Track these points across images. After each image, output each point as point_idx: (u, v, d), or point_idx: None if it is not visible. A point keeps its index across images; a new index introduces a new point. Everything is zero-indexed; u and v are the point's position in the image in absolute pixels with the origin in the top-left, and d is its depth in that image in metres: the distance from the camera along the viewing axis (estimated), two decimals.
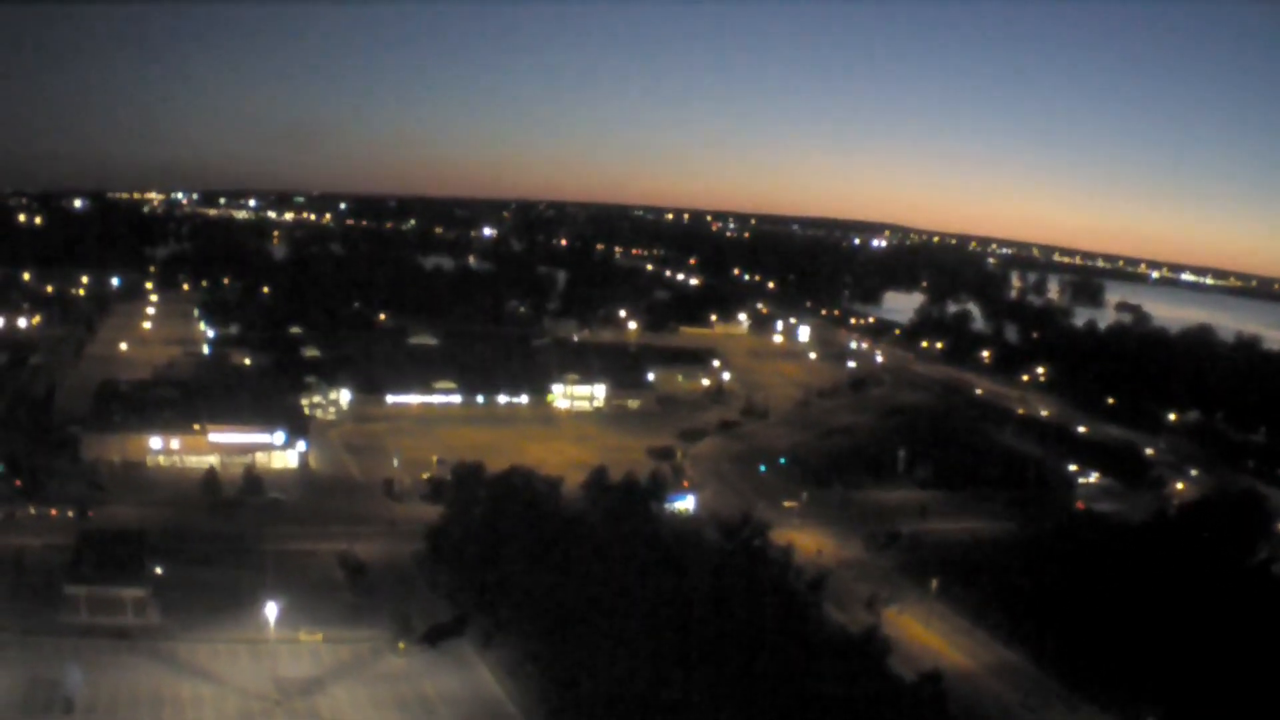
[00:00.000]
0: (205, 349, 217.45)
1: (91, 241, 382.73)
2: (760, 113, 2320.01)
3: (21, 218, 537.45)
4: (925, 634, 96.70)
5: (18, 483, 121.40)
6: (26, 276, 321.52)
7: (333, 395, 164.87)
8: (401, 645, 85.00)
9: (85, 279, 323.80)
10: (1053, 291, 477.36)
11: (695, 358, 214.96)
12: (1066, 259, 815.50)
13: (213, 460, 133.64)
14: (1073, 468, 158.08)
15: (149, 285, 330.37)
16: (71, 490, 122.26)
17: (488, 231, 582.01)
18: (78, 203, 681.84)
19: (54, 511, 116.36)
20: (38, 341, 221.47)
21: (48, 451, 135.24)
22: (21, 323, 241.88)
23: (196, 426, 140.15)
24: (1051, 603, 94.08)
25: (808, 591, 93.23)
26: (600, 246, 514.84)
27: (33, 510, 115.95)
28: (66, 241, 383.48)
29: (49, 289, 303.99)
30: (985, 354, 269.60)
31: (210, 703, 76.19)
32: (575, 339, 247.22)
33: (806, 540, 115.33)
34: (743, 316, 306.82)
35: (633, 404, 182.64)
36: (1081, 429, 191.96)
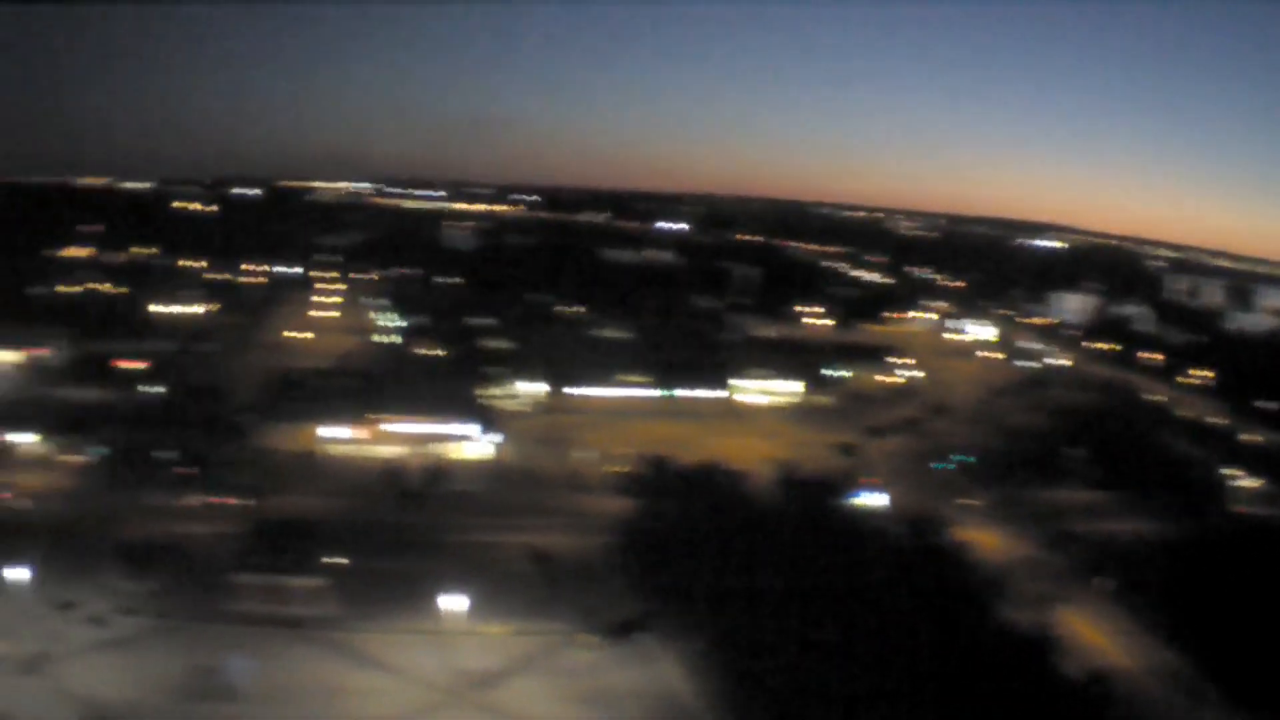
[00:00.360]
0: (386, 339, 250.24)
1: (269, 230, 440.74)
2: (931, 113, 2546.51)
3: (196, 205, 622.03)
4: (1092, 633, 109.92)
5: (190, 471, 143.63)
6: (203, 264, 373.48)
7: (521, 387, 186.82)
8: (586, 639, 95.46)
9: (262, 267, 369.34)
10: (1210, 294, 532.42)
11: (878, 354, 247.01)
12: (1223, 262, 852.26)
13: (398, 451, 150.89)
14: (1233, 471, 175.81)
15: (332, 274, 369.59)
16: (245, 479, 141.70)
17: (670, 225, 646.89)
18: (253, 191, 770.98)
19: (227, 500, 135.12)
20: (212, 330, 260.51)
21: (222, 440, 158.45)
22: (197, 310, 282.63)
23: (376, 416, 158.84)
24: (1213, 606, 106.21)
25: (985, 588, 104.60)
26: (784, 242, 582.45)
27: (205, 499, 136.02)
28: (242, 229, 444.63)
29: (224, 277, 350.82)
30: (1150, 356, 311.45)
31: (386, 693, 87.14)
32: (760, 334, 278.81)
33: (982, 537, 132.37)
34: (923, 314, 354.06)
35: (818, 399, 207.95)
36: (1243, 434, 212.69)
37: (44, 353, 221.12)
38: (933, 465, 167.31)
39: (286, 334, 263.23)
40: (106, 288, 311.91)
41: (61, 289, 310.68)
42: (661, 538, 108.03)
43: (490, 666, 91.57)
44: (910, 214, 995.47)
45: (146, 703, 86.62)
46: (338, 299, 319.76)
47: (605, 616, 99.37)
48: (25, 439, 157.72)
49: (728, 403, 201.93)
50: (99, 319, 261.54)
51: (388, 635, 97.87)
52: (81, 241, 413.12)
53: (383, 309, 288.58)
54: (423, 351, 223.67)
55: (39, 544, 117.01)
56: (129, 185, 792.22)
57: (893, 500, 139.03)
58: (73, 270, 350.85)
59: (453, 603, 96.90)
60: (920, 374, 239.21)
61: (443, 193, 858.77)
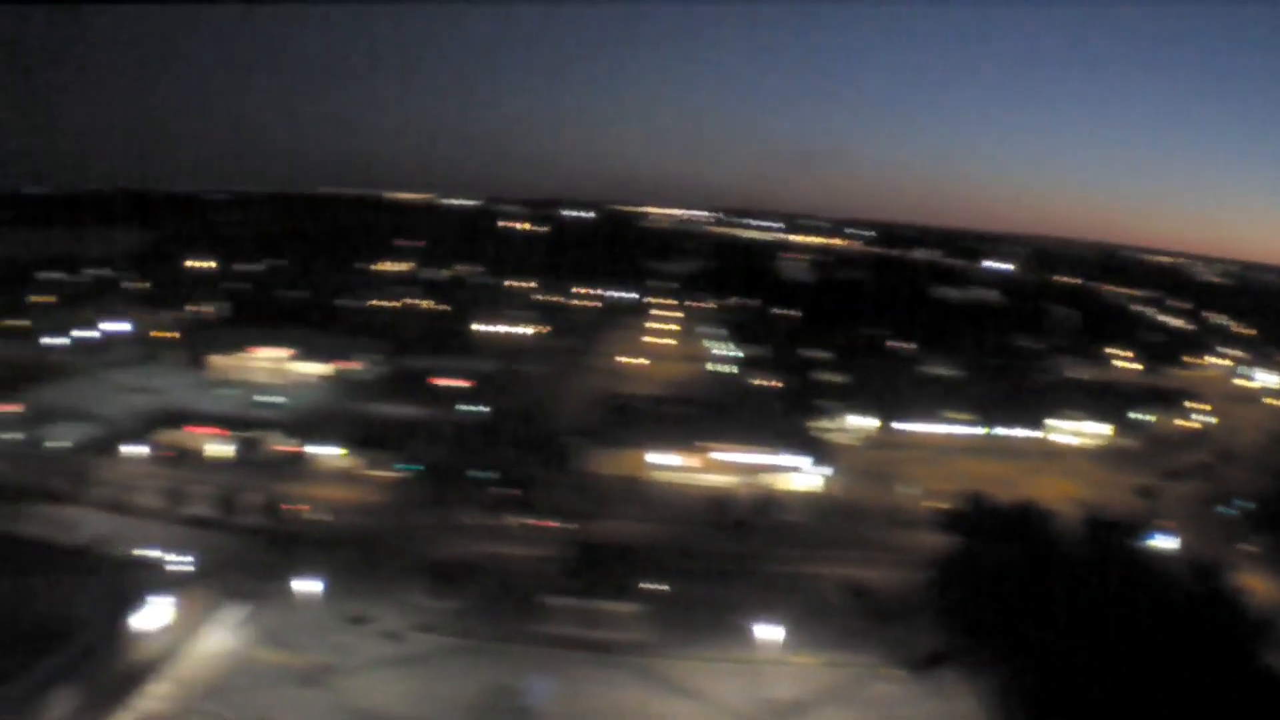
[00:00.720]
0: (721, 368, 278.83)
1: (600, 253, 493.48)
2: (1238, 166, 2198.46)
3: (525, 225, 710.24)
4: None
5: (509, 491, 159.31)
6: (531, 285, 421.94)
7: (848, 420, 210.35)
8: (891, 672, 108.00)
9: (595, 290, 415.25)
10: None
11: (1177, 398, 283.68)
12: None
13: (725, 480, 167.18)
14: None
15: (671, 301, 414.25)
16: (566, 501, 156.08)
17: (997, 264, 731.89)
18: (586, 213, 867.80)
19: (546, 522, 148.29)
20: (540, 351, 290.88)
21: (544, 461, 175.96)
22: (524, 331, 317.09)
23: (706, 444, 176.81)
24: None
25: (1261, 634, 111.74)
26: (1099, 285, 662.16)
27: (521, 520, 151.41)
28: (574, 252, 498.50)
29: (555, 299, 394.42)
30: None
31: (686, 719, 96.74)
32: (1074, 375, 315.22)
33: (1259, 584, 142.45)
34: (1217, 359, 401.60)
35: (1123, 442, 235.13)
36: None
37: (355, 366, 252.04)
38: (1218, 510, 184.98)
39: (618, 359, 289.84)
40: (426, 304, 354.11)
41: (377, 303, 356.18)
42: (970, 573, 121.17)
43: (796, 697, 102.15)
44: (1208, 260, 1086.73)
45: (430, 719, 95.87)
46: (673, 326, 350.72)
47: (912, 650, 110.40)
48: (331, 452, 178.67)
49: (1042, 442, 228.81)
50: (417, 334, 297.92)
51: (697, 662, 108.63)
52: (401, 256, 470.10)
53: (718, 338, 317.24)
54: (757, 382, 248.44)
55: (337, 558, 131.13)
56: (453, 202, 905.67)
57: (1182, 543, 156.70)
58: (390, 285, 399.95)
59: (766, 632, 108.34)
60: (1213, 419, 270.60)
61: (779, 224, 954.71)
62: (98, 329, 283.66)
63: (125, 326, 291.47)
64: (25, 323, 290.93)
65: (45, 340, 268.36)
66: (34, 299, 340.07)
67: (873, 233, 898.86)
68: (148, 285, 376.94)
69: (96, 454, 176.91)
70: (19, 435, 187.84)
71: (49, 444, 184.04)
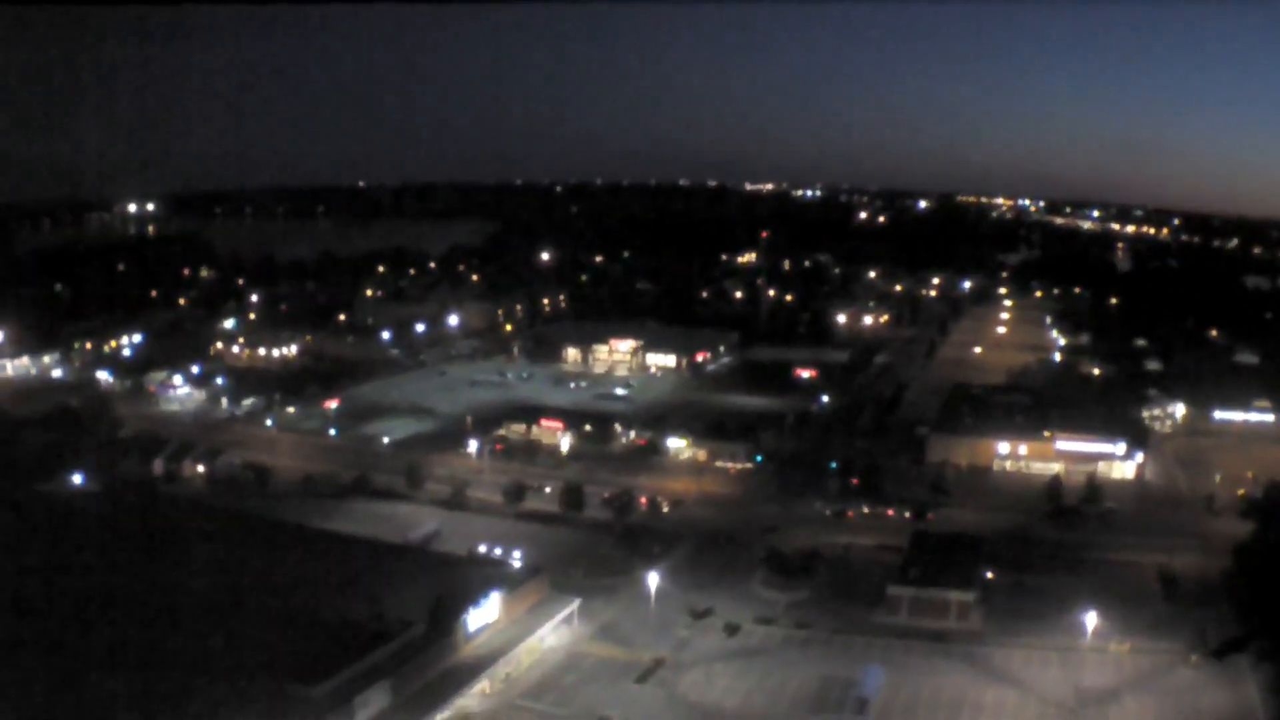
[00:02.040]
0: (1054, 355, 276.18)
1: (939, 243, 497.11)
2: None
3: (863, 215, 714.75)
4: None
5: (854, 481, 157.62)
6: (873, 274, 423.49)
7: (1168, 409, 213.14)
8: (1194, 659, 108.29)
9: (935, 280, 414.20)
10: None
11: None
12: None
13: (1056, 468, 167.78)
14: None
15: (1001, 290, 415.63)
16: (912, 491, 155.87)
17: None
18: (922, 203, 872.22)
19: (890, 511, 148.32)
20: (886, 340, 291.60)
21: (890, 451, 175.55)
22: (868, 320, 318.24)
23: (1045, 434, 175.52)
24: None
25: None
26: None
27: (867, 509, 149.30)
28: (912, 241, 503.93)
29: (896, 288, 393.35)
30: None
31: (1009, 709, 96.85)
32: None
33: None
34: None
35: None
36: None
37: (704, 357, 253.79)
38: None
39: (961, 347, 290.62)
40: (774, 294, 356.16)
41: (729, 294, 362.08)
42: (1271, 562, 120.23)
43: (1108, 683, 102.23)
44: None
45: (762, 712, 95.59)
46: (1010, 314, 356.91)
47: (1213, 638, 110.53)
48: (678, 444, 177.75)
49: None
50: (766, 325, 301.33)
51: (1020, 650, 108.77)
52: (751, 246, 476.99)
53: (1051, 327, 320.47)
54: (1086, 370, 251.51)
55: (681, 550, 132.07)
56: (801, 192, 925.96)
57: None
58: (740, 275, 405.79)
59: (1084, 619, 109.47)
60: None
61: (1102, 213, 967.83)
62: (436, 323, 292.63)
63: (465, 320, 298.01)
64: (361, 318, 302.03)
65: (382, 334, 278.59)
66: (369, 293, 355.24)
67: (1184, 221, 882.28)
68: (489, 278, 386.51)
69: (430, 449, 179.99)
70: (348, 430, 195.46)
71: (383, 439, 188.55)
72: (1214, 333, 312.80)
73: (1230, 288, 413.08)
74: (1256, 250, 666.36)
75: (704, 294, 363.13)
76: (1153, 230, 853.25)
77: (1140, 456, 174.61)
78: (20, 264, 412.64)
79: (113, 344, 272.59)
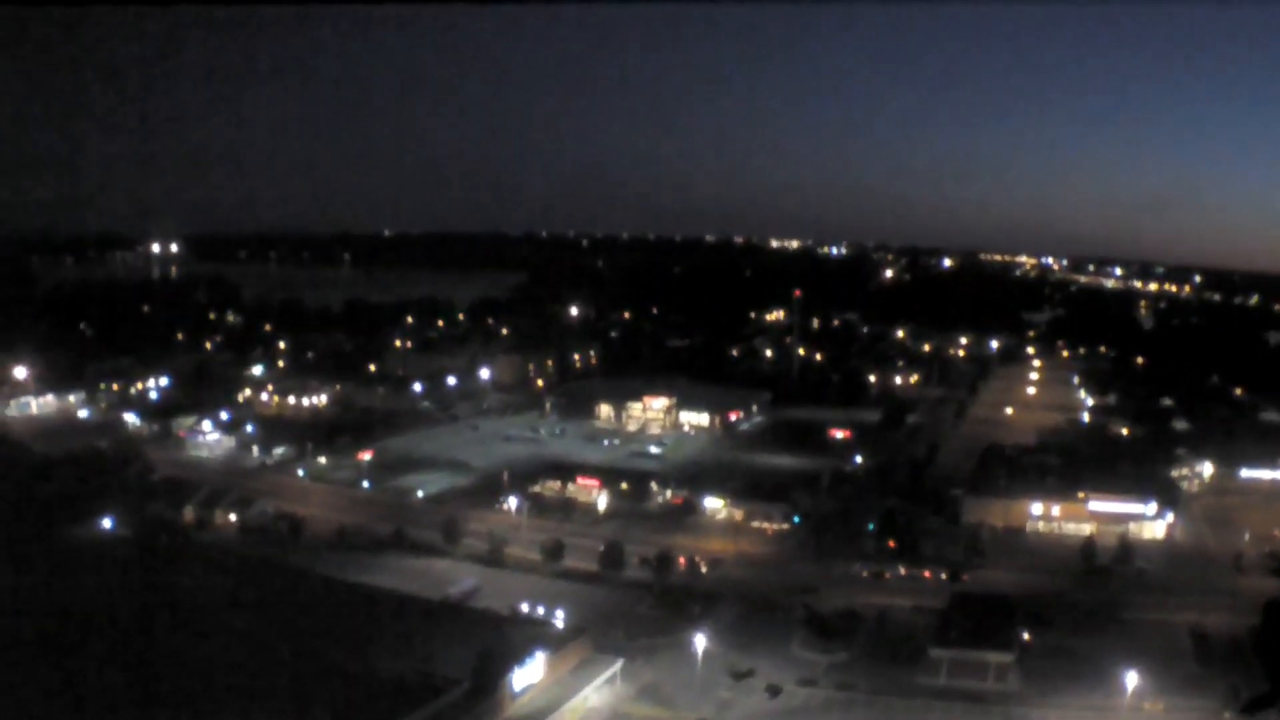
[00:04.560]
0: (1082, 415, 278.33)
1: (964, 302, 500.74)
2: None
3: (889, 273, 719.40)
4: None
5: (891, 542, 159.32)
6: (900, 333, 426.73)
7: (1196, 468, 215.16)
8: (1226, 716, 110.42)
9: (963, 339, 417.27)
10: None
11: None
12: None
13: (1088, 528, 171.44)
14: None
15: (1029, 350, 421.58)
16: (947, 552, 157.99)
17: None
18: (946, 261, 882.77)
19: (926, 573, 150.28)
20: (917, 400, 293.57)
21: (925, 512, 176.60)
22: (898, 380, 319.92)
23: (1079, 495, 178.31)
24: None
25: None
26: None
27: (903, 571, 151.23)
28: (938, 300, 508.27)
29: (925, 347, 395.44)
30: None
31: None
32: None
33: None
34: None
35: None
36: None
37: (738, 415, 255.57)
38: None
39: (990, 407, 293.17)
40: (803, 352, 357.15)
41: (759, 353, 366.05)
42: None
43: None
44: None
45: None
46: (1038, 374, 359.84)
47: (1243, 694, 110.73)
48: (714, 503, 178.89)
49: None
50: (798, 383, 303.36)
51: (1057, 711, 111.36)
52: (781, 304, 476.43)
53: (1079, 386, 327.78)
54: (1114, 429, 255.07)
55: (720, 611, 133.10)
56: (829, 250, 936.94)
57: None
58: (771, 333, 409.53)
59: (1118, 679, 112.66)
60: None
61: (1124, 271, 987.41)
62: (467, 375, 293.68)
63: (496, 373, 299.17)
64: (391, 368, 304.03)
65: (413, 386, 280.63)
66: (399, 343, 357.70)
67: (1206, 278, 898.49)
68: (518, 331, 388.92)
69: (466, 504, 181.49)
70: (381, 482, 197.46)
71: (418, 493, 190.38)
72: (1238, 390, 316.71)
73: (1253, 344, 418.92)
74: (1278, 306, 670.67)
75: (735, 352, 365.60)
76: (1174, 288, 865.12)
77: (1170, 516, 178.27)
78: (44, 300, 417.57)
79: (139, 385, 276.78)
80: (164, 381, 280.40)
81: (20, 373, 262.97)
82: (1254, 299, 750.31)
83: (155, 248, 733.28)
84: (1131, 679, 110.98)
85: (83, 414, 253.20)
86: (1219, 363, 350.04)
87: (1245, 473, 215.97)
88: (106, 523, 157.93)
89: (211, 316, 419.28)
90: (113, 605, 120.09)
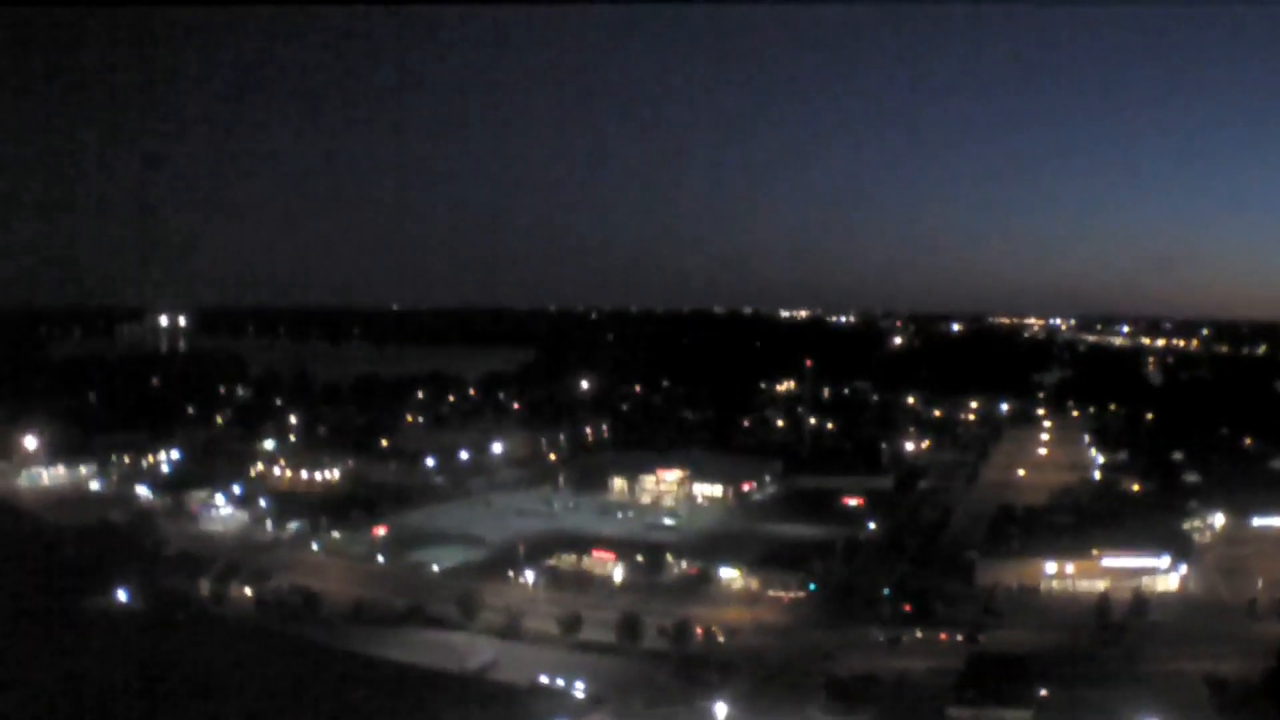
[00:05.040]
0: (1094, 474, 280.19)
1: (974, 365, 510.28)
2: None
3: (897, 340, 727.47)
4: None
5: (907, 606, 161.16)
6: (910, 400, 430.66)
7: (1207, 519, 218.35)
8: None
9: (973, 404, 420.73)
10: None
11: None
12: None
13: (1102, 584, 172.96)
14: None
15: (1039, 411, 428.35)
16: (963, 614, 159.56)
17: None
18: (955, 325, 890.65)
19: (943, 635, 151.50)
20: (928, 465, 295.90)
21: (940, 575, 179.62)
22: (909, 446, 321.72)
23: (1093, 552, 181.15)
24: None
25: None
26: None
27: (920, 634, 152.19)
28: (947, 365, 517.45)
29: (935, 413, 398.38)
30: None
31: None
32: None
33: None
34: None
35: None
36: None
37: (751, 486, 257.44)
38: None
39: (1002, 469, 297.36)
40: (814, 421, 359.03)
41: (770, 423, 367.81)
42: None
43: None
44: None
45: None
46: (1048, 435, 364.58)
47: None
48: (729, 573, 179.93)
49: None
50: (810, 452, 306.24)
51: None
52: (790, 374, 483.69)
53: (1090, 445, 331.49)
54: (1125, 486, 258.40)
55: (738, 680, 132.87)
56: (837, 319, 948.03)
57: None
58: (781, 403, 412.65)
59: None
60: None
61: (1132, 328, 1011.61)
62: (479, 450, 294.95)
63: (507, 448, 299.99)
64: (403, 443, 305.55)
65: (426, 460, 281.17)
66: (410, 418, 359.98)
67: (1213, 331, 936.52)
68: (529, 405, 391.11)
69: (482, 578, 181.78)
70: (396, 556, 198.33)
71: (433, 567, 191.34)
72: (1248, 440, 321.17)
73: (1261, 394, 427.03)
74: None
75: (746, 422, 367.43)
76: (1182, 342, 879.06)
77: (1183, 568, 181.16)
78: (53, 372, 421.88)
79: (150, 458, 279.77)
80: (175, 455, 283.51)
81: (31, 443, 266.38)
82: (1261, 349, 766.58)
83: (163, 320, 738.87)
84: None
85: (94, 485, 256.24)
86: (1228, 413, 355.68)
87: (1257, 521, 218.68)
88: (121, 595, 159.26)
89: (221, 390, 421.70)
90: (128, 677, 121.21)
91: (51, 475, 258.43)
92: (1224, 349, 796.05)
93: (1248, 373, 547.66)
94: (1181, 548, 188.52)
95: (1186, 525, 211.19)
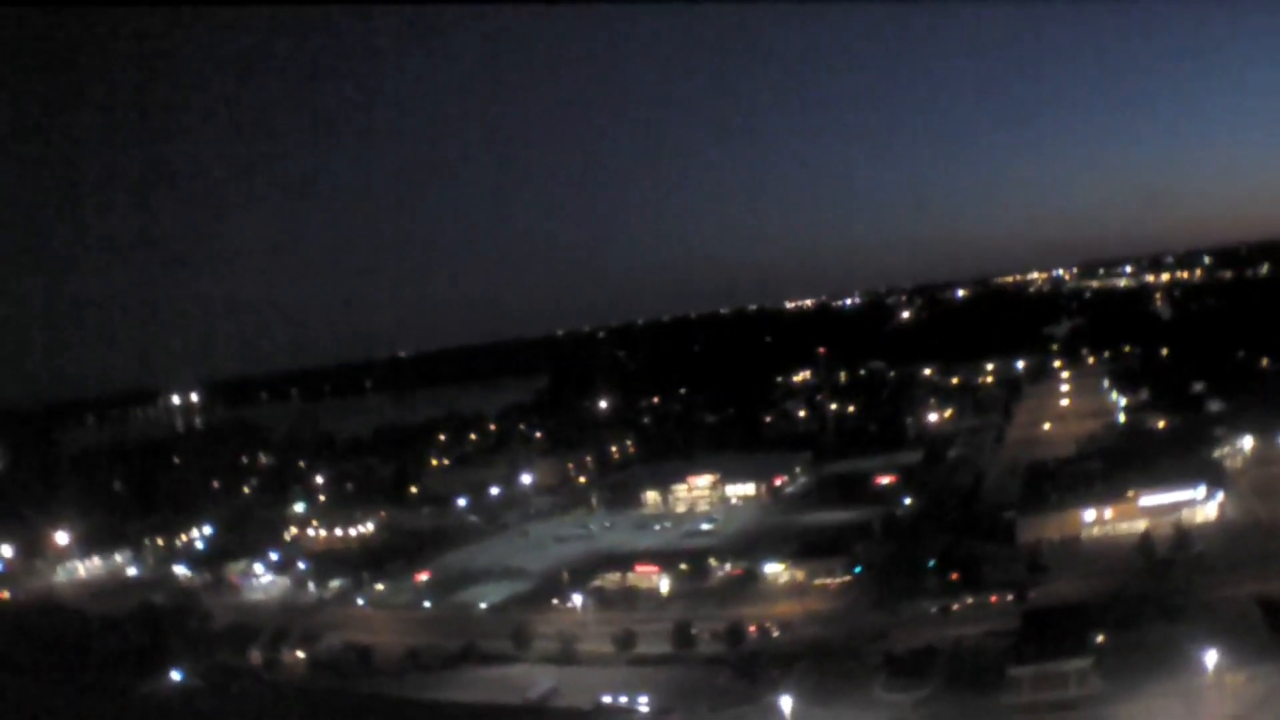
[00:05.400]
0: (1119, 417, 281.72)
1: (984, 328, 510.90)
2: None
3: (905, 315, 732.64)
4: None
5: (953, 575, 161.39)
6: (927, 371, 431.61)
7: (1236, 444, 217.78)
8: None
9: (989, 366, 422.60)
10: None
11: None
12: None
13: (1142, 524, 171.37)
14: None
15: (1056, 364, 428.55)
16: (1010, 574, 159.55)
17: None
18: (960, 291, 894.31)
19: (993, 598, 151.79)
20: (954, 434, 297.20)
21: (982, 540, 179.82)
22: (932, 417, 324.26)
23: (1129, 494, 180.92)
24: None
25: None
26: None
27: (970, 600, 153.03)
28: (958, 332, 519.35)
29: (953, 381, 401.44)
30: None
31: None
32: None
33: None
34: None
35: None
36: None
37: (783, 480, 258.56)
38: None
39: (1027, 426, 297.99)
40: (835, 407, 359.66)
41: (792, 415, 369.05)
42: None
43: (1230, 713, 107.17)
44: None
45: None
46: (1068, 386, 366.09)
47: None
48: (774, 568, 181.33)
49: None
50: (835, 438, 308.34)
51: (1144, 702, 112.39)
52: (805, 363, 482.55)
53: (1110, 389, 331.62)
54: (1153, 423, 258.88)
55: (798, 672, 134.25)
56: (842, 302, 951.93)
57: None
58: (799, 393, 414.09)
59: (1197, 659, 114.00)
60: None
61: (1135, 267, 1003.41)
62: (508, 483, 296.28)
63: (536, 477, 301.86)
64: (431, 487, 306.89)
65: (457, 501, 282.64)
66: (435, 462, 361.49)
67: (1215, 258, 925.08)
68: (551, 432, 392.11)
69: (530, 609, 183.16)
70: (442, 600, 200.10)
71: (480, 604, 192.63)
72: (1265, 362, 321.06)
73: (1272, 314, 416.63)
74: None
75: (768, 418, 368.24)
76: (1185, 274, 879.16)
77: (1219, 496, 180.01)
78: (72, 464, 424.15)
79: (183, 537, 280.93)
80: (207, 530, 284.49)
81: (62, 538, 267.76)
82: (1264, 269, 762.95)
83: (175, 399, 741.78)
84: (1210, 657, 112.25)
85: (131, 571, 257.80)
86: (1242, 338, 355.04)
87: None
88: (175, 676, 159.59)
89: (244, 460, 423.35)
90: None
91: (87, 567, 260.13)
92: (1228, 274, 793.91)
93: (1255, 295, 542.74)
94: (1215, 476, 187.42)
95: (1216, 453, 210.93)
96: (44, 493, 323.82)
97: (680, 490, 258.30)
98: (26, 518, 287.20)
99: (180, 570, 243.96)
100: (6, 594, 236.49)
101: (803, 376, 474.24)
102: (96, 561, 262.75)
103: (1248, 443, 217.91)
